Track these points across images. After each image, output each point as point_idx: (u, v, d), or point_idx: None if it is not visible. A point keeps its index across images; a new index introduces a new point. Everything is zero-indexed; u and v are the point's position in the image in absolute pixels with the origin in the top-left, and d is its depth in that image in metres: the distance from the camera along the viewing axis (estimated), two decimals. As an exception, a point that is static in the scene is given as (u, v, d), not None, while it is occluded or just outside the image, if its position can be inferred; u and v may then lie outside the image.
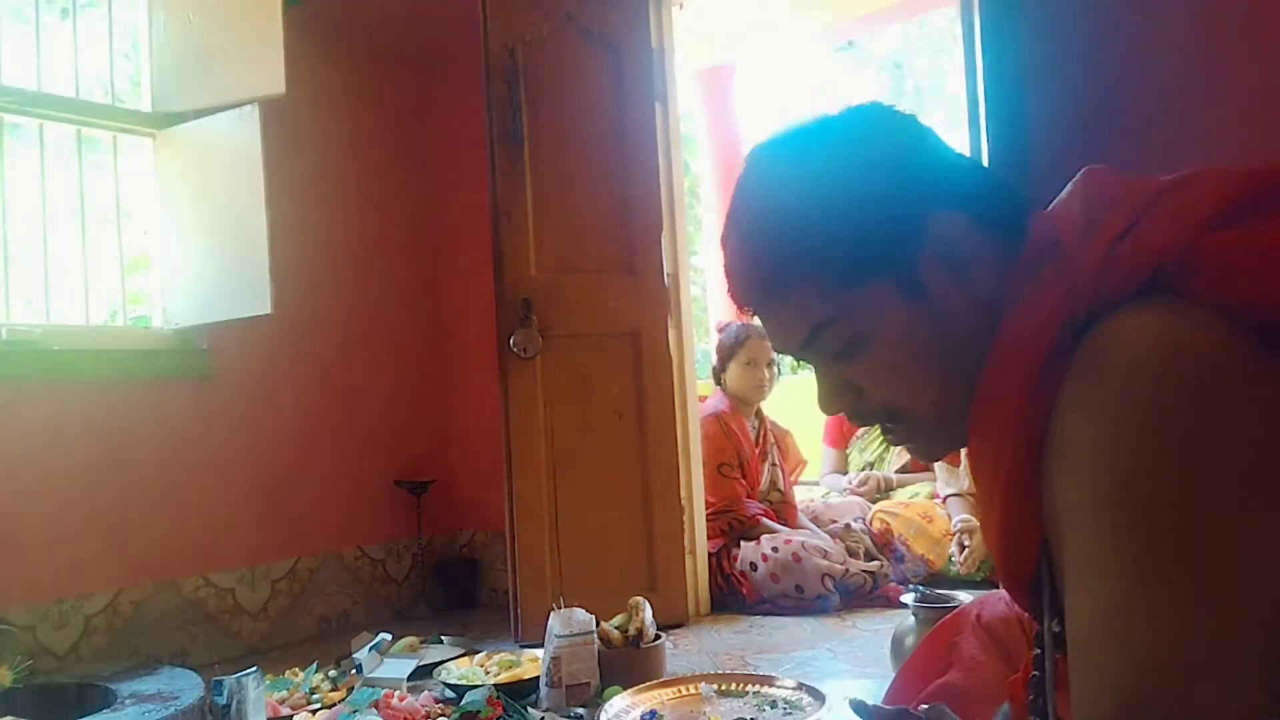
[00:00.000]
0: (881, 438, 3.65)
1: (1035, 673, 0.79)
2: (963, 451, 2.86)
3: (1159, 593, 0.59)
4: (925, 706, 0.92)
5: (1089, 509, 0.63)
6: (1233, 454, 0.60)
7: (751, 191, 0.83)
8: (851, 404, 0.83)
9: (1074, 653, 0.64)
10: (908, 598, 2.04)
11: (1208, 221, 0.66)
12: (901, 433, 0.84)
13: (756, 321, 0.85)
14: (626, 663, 2.13)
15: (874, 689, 1.94)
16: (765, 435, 3.40)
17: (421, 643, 2.58)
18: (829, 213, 0.77)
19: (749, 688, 1.93)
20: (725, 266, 0.84)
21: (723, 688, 1.94)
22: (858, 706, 0.97)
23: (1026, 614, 0.81)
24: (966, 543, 3.02)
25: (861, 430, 3.73)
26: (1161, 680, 0.58)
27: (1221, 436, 0.60)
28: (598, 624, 2.14)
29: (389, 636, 2.42)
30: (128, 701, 1.86)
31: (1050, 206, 0.79)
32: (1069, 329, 0.68)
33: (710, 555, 3.00)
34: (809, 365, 0.85)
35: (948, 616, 1.29)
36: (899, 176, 0.77)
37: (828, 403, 0.84)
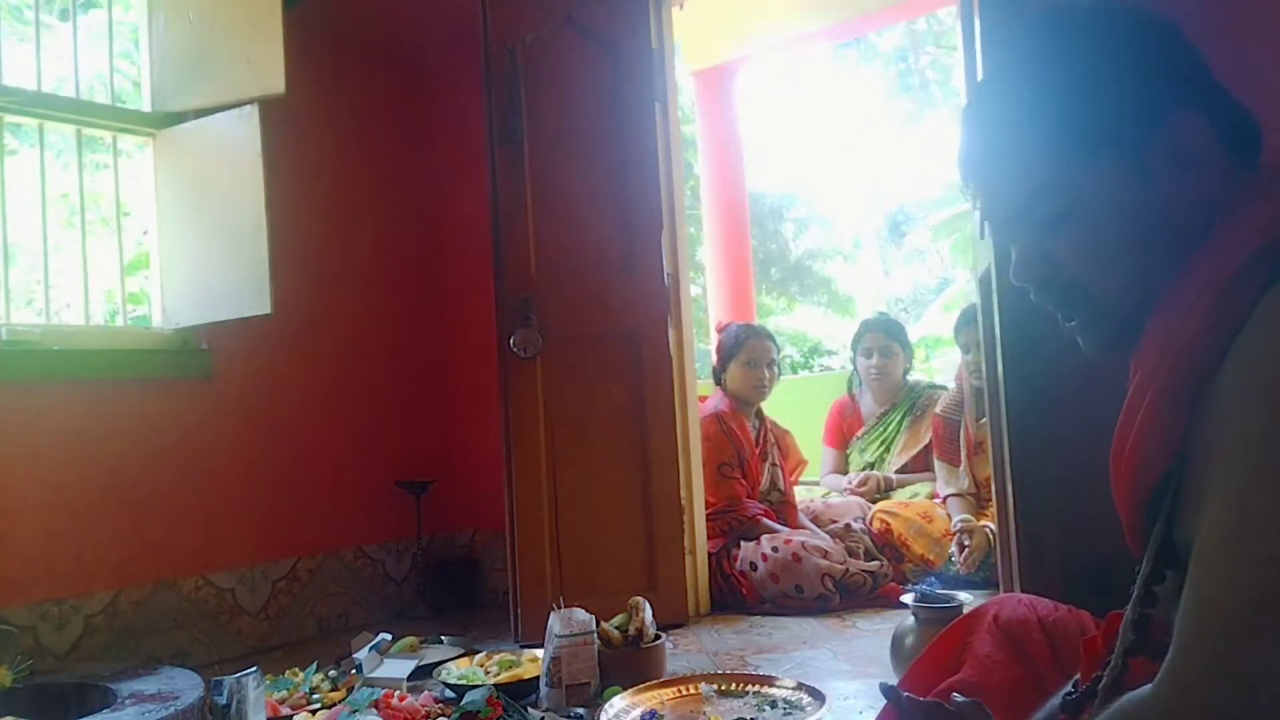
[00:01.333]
0: (881, 438, 3.66)
1: (1140, 590, 0.78)
2: (963, 452, 2.85)
3: None
4: (961, 699, 0.91)
5: (1249, 423, 0.64)
6: None
7: (1013, 55, 0.87)
8: (1043, 276, 0.85)
9: (1199, 560, 0.65)
10: (908, 598, 2.04)
11: None
12: (1082, 318, 0.85)
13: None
14: (626, 663, 2.13)
15: (876, 689, 1.94)
16: (765, 435, 3.40)
17: (421, 643, 2.58)
18: (1080, 80, 0.80)
19: (749, 688, 1.94)
20: (965, 124, 0.88)
21: (723, 688, 1.94)
22: (889, 691, 0.96)
23: (1130, 534, 0.81)
24: (966, 543, 3.02)
25: (861, 430, 3.74)
26: (1277, 596, 0.59)
27: None
28: (598, 624, 2.14)
29: (389, 636, 2.42)
30: (128, 701, 1.86)
31: None
32: (1274, 250, 0.69)
33: (710, 555, 3.00)
34: (1012, 236, 0.88)
35: (962, 616, 1.28)
36: (1154, 66, 0.80)
37: (1022, 271, 0.87)
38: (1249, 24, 1.71)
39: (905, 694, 0.96)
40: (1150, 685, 0.67)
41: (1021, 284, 0.88)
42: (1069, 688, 0.91)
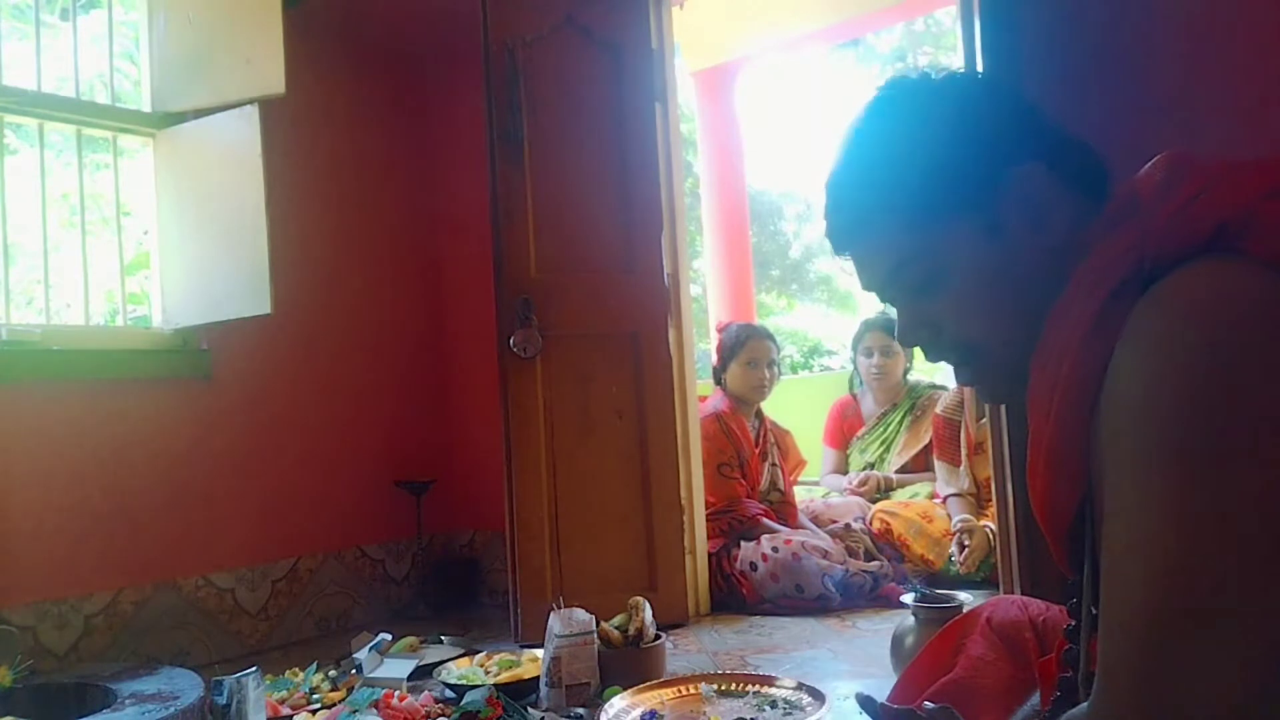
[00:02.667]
0: (882, 438, 3.67)
1: (1071, 622, 0.80)
2: (963, 452, 2.86)
3: (1192, 517, 0.61)
4: (931, 706, 0.92)
5: (1130, 439, 0.66)
6: (1275, 394, 0.62)
7: (852, 136, 0.91)
8: (929, 339, 0.89)
9: (1106, 580, 0.66)
10: (908, 598, 2.04)
11: (1269, 190, 0.71)
12: (972, 371, 0.89)
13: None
14: (626, 663, 2.13)
15: (875, 689, 1.94)
16: (765, 435, 3.40)
17: (421, 643, 2.58)
18: (917, 155, 0.84)
19: (749, 688, 1.94)
20: (825, 206, 0.93)
21: (723, 688, 1.94)
22: (864, 701, 0.97)
23: (1061, 565, 0.83)
24: (966, 542, 3.02)
25: (861, 430, 3.74)
26: (1191, 598, 0.60)
27: (1265, 375, 0.62)
28: (598, 624, 2.14)
29: (389, 636, 2.42)
30: (128, 701, 1.86)
31: (1135, 176, 0.83)
32: (1135, 275, 0.72)
33: (710, 555, 3.00)
34: (891, 303, 0.92)
35: (956, 618, 1.28)
36: (986, 128, 0.84)
37: (906, 335, 0.91)
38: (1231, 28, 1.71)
39: (880, 703, 0.98)
40: (1083, 707, 0.69)
41: (907, 346, 0.92)
42: (1034, 707, 0.93)
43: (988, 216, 0.82)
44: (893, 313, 0.97)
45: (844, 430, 3.81)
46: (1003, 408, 1.96)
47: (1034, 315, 0.80)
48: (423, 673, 2.34)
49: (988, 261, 0.83)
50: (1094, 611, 0.78)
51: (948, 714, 0.90)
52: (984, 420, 2.83)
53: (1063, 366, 0.73)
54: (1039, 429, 0.77)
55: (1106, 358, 0.69)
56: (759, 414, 3.42)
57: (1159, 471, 0.63)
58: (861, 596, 2.90)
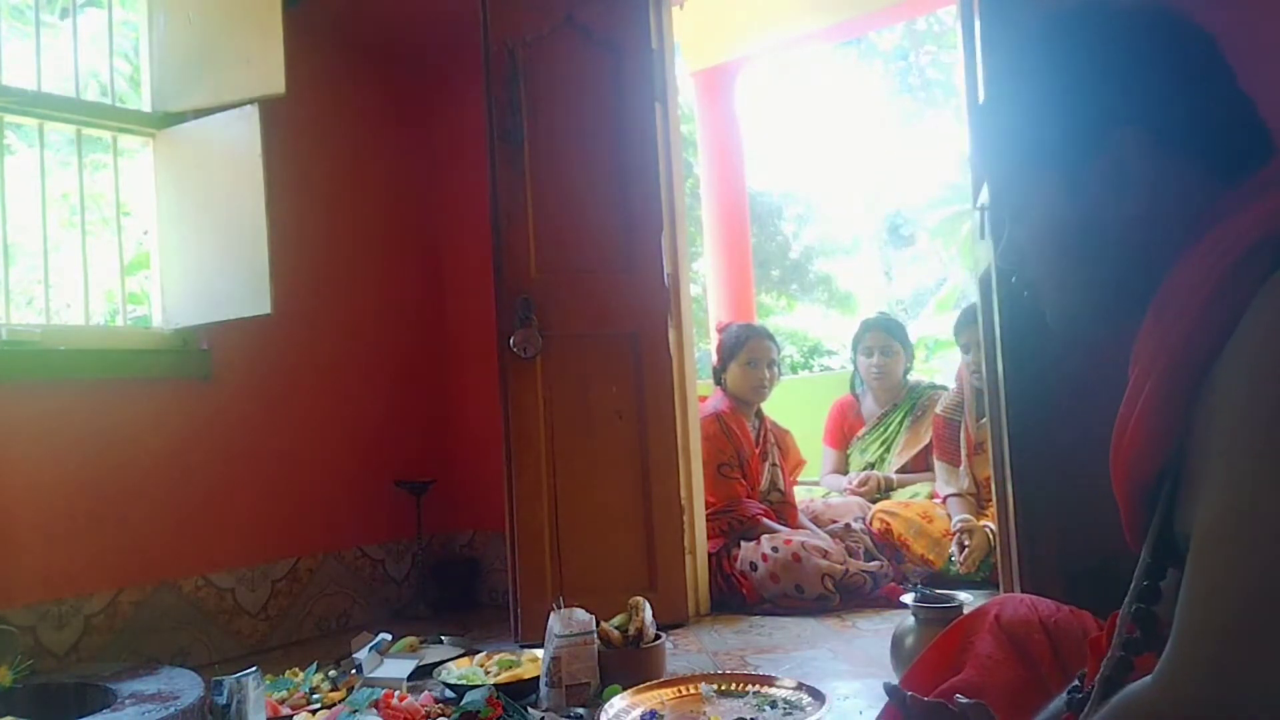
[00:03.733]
0: (882, 438, 3.67)
1: (1145, 582, 0.78)
2: (963, 452, 2.85)
3: None
4: (965, 701, 0.91)
5: (1244, 420, 0.64)
6: None
7: (1007, 54, 0.95)
8: (1015, 263, 0.92)
9: (1196, 552, 0.64)
10: (908, 598, 2.04)
11: None
12: (1047, 306, 0.91)
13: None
14: (626, 663, 2.13)
15: (876, 689, 1.94)
16: (765, 435, 3.40)
17: (421, 643, 2.58)
18: (1027, 97, 0.86)
19: (749, 688, 1.94)
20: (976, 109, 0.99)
21: (723, 688, 1.94)
22: (892, 691, 0.96)
23: (1128, 527, 0.81)
24: (966, 543, 3.02)
25: (861, 430, 3.74)
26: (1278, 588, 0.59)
27: None
28: (598, 624, 2.14)
29: (389, 636, 2.42)
30: (128, 701, 1.86)
31: None
32: (1268, 244, 0.69)
33: (710, 555, 3.00)
34: (1001, 219, 0.94)
35: (963, 615, 1.28)
36: (1098, 86, 0.82)
37: (1004, 255, 0.93)
38: (1253, 19, 1.71)
39: (909, 694, 0.95)
40: (1148, 679, 0.67)
41: (1004, 265, 0.94)
42: (1075, 683, 0.91)
43: (1073, 175, 0.82)
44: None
45: (844, 430, 3.81)
46: (1003, 407, 1.96)
47: (1098, 278, 0.82)
48: (423, 673, 2.34)
49: (1060, 217, 0.84)
50: (1156, 583, 0.77)
51: (981, 710, 0.89)
52: (984, 420, 2.82)
53: (1181, 323, 0.72)
54: (1142, 377, 0.75)
55: (1229, 323, 0.68)
56: (759, 414, 3.42)
57: (1272, 449, 0.61)
58: (861, 596, 2.90)
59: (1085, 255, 0.83)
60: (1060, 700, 0.93)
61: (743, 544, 3.04)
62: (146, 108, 2.74)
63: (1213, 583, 0.63)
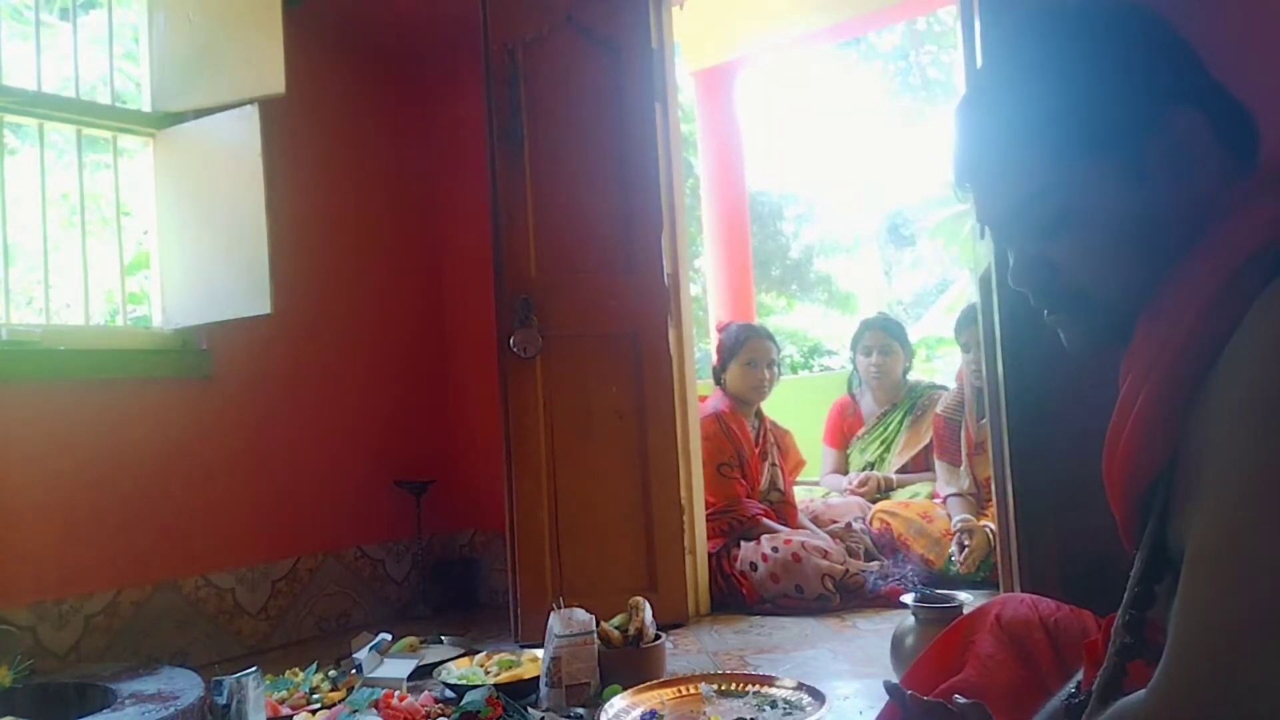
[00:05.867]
0: (882, 438, 3.66)
1: (1138, 588, 0.77)
2: (963, 452, 2.85)
3: None
4: (963, 701, 0.91)
5: (1240, 425, 0.63)
6: None
7: (1000, 57, 0.86)
8: (1043, 280, 0.84)
9: (1190, 569, 0.64)
10: (908, 598, 2.04)
11: None
12: (1073, 318, 0.85)
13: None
14: (626, 663, 2.13)
15: (876, 689, 1.95)
16: (765, 435, 3.40)
17: (421, 643, 2.58)
18: (1075, 80, 0.79)
19: (749, 688, 1.94)
20: (957, 128, 0.86)
21: (723, 688, 1.94)
22: (893, 690, 0.95)
23: (1124, 532, 0.80)
24: (966, 542, 3.02)
25: (861, 430, 3.74)
26: (1274, 608, 0.58)
27: None
28: (598, 624, 2.14)
29: (389, 636, 2.42)
30: (128, 701, 1.86)
31: None
32: (1270, 251, 0.68)
33: (710, 555, 3.00)
34: (1010, 240, 0.86)
35: (963, 616, 1.28)
36: (1152, 63, 0.79)
37: (1021, 275, 0.86)
38: (1248, 23, 1.70)
39: (910, 693, 0.95)
40: (1142, 693, 0.67)
41: (1020, 288, 0.87)
42: (1071, 688, 0.91)
43: (1134, 158, 0.77)
44: (997, 242, 0.92)
45: (844, 430, 3.81)
46: (1002, 407, 1.96)
47: (1155, 269, 0.76)
48: (423, 673, 2.34)
49: (1126, 206, 0.78)
50: (1150, 588, 0.76)
51: (979, 710, 0.88)
52: (984, 420, 2.82)
53: (1177, 329, 0.70)
54: (1135, 388, 0.74)
55: (1224, 331, 0.67)
56: (759, 414, 3.42)
57: (1273, 465, 0.60)
58: (861, 596, 2.90)
59: (1146, 245, 0.78)
60: (1058, 700, 0.93)
61: (743, 544, 3.04)
62: (146, 108, 2.74)
63: (1206, 602, 0.62)
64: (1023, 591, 1.90)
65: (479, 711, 1.87)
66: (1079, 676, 0.92)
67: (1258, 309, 0.66)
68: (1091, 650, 0.89)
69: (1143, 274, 0.78)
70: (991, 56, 0.86)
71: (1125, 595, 0.79)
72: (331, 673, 2.23)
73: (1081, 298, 0.82)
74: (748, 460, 3.25)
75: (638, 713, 1.84)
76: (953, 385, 3.44)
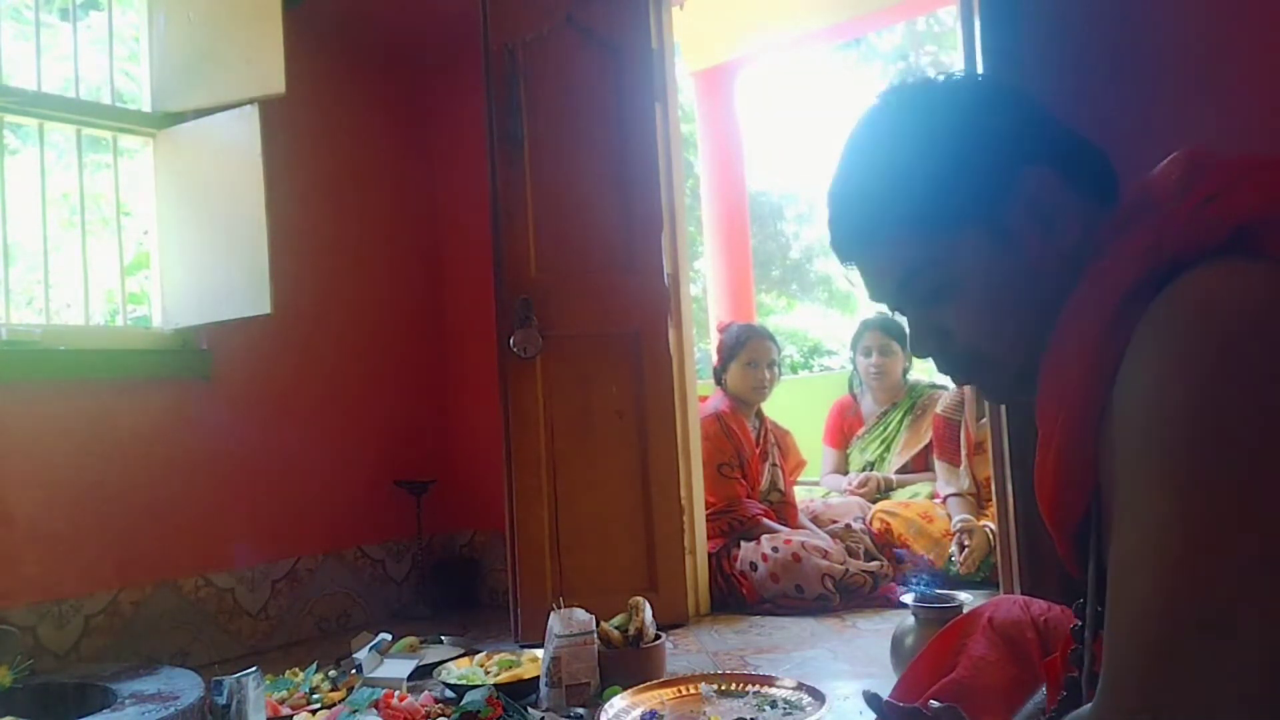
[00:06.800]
0: (882, 438, 3.66)
1: (1077, 622, 0.80)
2: (963, 452, 2.86)
3: (1202, 520, 0.60)
4: (937, 705, 0.92)
5: (1139, 440, 0.65)
6: None
7: (854, 146, 0.89)
8: (938, 346, 0.88)
9: (1113, 581, 0.65)
10: (908, 598, 2.04)
11: None
12: (982, 377, 0.89)
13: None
14: (626, 663, 2.13)
15: (876, 689, 1.94)
16: (766, 435, 3.40)
17: (421, 643, 2.58)
18: (923, 163, 0.82)
19: (749, 688, 1.94)
20: (829, 218, 0.91)
21: (723, 688, 1.94)
22: (871, 699, 0.97)
23: (1068, 564, 0.82)
24: (966, 543, 3.02)
25: (861, 430, 3.74)
26: (1199, 609, 0.58)
27: (1277, 379, 0.61)
28: (598, 624, 2.14)
29: (389, 636, 2.42)
30: (128, 701, 1.86)
31: (1147, 175, 0.81)
32: (1151, 277, 0.70)
33: (710, 555, 3.00)
34: (900, 312, 0.91)
35: (958, 618, 1.28)
36: (993, 133, 0.83)
37: (917, 345, 0.90)
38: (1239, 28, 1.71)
39: (886, 700, 0.97)
40: (1085, 708, 0.68)
41: (920, 356, 0.90)
42: (1040, 703, 0.93)
43: (997, 222, 0.81)
44: (894, 314, 0.96)
45: (844, 430, 3.81)
46: (1003, 407, 1.96)
47: (1044, 319, 0.79)
48: (423, 673, 2.34)
49: (998, 267, 0.81)
50: (1099, 610, 0.77)
51: (953, 713, 0.90)
52: (984, 420, 2.83)
53: (1075, 368, 0.73)
54: (1049, 430, 0.76)
55: (1118, 360, 0.68)
56: (759, 414, 3.42)
57: (1168, 474, 0.62)
58: (861, 596, 2.90)
59: (1026, 300, 0.81)
60: (1034, 704, 0.94)
61: (743, 544, 3.04)
62: (146, 108, 2.74)
63: (1122, 616, 0.63)
64: (1023, 592, 1.90)
65: (479, 711, 1.87)
66: (1044, 693, 0.93)
67: (1141, 328, 0.68)
68: (1051, 670, 0.90)
69: (1031, 328, 0.81)
70: (847, 143, 0.90)
71: (1075, 626, 0.82)
72: (331, 673, 2.23)
73: (979, 358, 0.86)
74: (748, 460, 3.25)
75: (638, 713, 1.84)
76: (952, 385, 3.44)
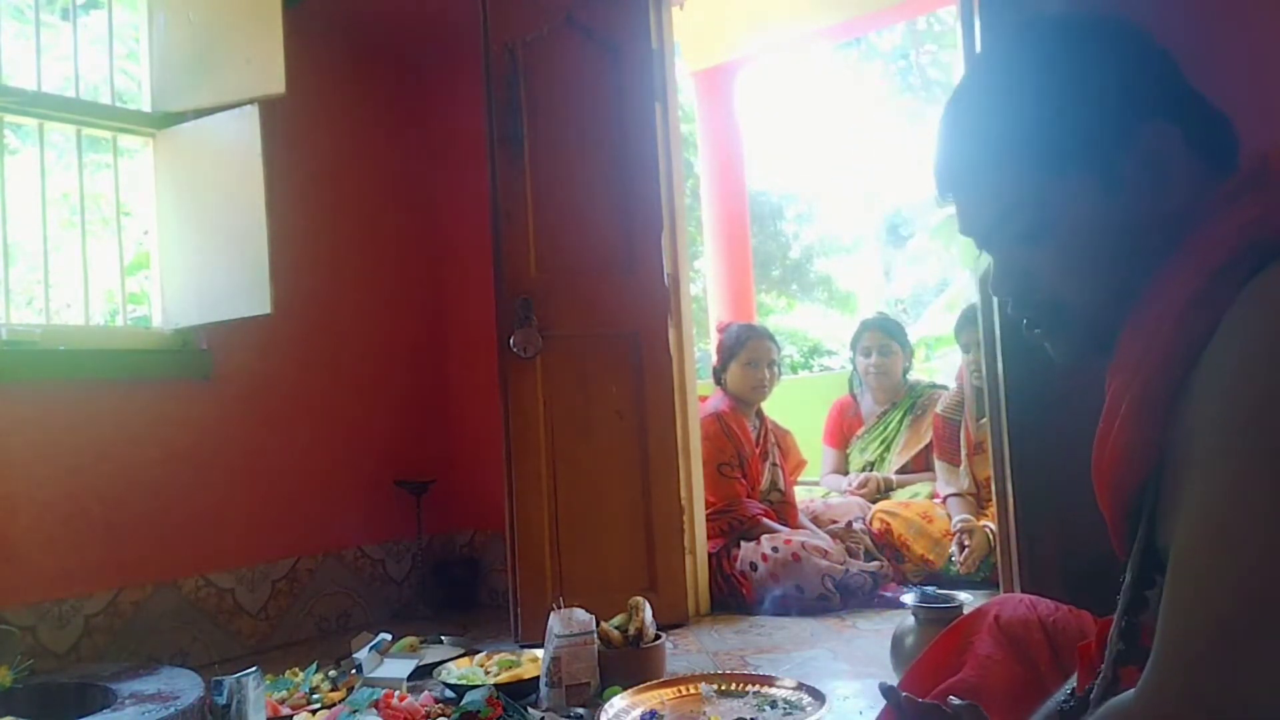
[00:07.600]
0: (882, 437, 3.66)
1: (1131, 594, 0.78)
2: (963, 452, 2.85)
3: (1272, 510, 0.59)
4: (958, 702, 0.91)
5: (1223, 428, 0.63)
6: None
7: (978, 72, 0.88)
8: (1019, 290, 0.86)
9: (1174, 567, 0.64)
10: (908, 598, 2.04)
11: None
12: (1055, 330, 0.86)
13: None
14: (626, 663, 2.13)
15: (875, 689, 1.94)
16: (766, 435, 3.40)
17: (421, 643, 2.58)
18: (1049, 98, 0.80)
19: (749, 688, 1.94)
20: (938, 140, 0.88)
21: (723, 688, 1.94)
22: (888, 692, 0.96)
23: (1114, 538, 0.81)
24: (966, 543, 3.02)
25: (861, 430, 3.74)
26: (1262, 597, 0.58)
27: None
28: (598, 624, 2.14)
29: (389, 636, 2.42)
30: (128, 701, 1.86)
31: (1274, 147, 0.80)
32: (1250, 252, 0.68)
33: (710, 555, 3.00)
34: (990, 249, 0.88)
35: (961, 617, 1.28)
36: (1126, 78, 0.80)
37: (1000, 284, 0.87)
38: (1231, 28, 1.71)
39: (905, 695, 0.95)
40: (1131, 692, 0.67)
41: (999, 296, 0.88)
42: (1066, 693, 0.91)
43: (1111, 170, 0.78)
44: (980, 251, 0.92)
45: (844, 430, 3.81)
46: (1003, 407, 1.96)
47: (1132, 280, 0.77)
48: (423, 673, 2.34)
49: (1101, 218, 0.79)
50: (1144, 594, 0.76)
51: (974, 711, 0.88)
52: (984, 420, 2.82)
53: (1159, 335, 0.71)
54: (1117, 401, 0.74)
55: (1205, 334, 0.67)
56: (759, 414, 3.42)
57: (1252, 465, 0.61)
58: (861, 596, 2.90)
59: (1122, 256, 0.79)
60: (1053, 703, 0.93)
61: (743, 544, 3.04)
62: (146, 108, 2.74)
63: (1189, 600, 0.62)
64: (1023, 592, 1.90)
65: (479, 711, 1.87)
66: (1074, 681, 0.92)
67: (1238, 305, 0.66)
68: (1084, 654, 0.89)
69: (1120, 284, 0.79)
70: (971, 69, 0.87)
71: (1119, 601, 0.80)
72: (331, 673, 2.23)
73: (1060, 308, 0.83)
74: (748, 460, 3.25)
75: (638, 713, 1.84)
76: (953, 385, 3.44)
